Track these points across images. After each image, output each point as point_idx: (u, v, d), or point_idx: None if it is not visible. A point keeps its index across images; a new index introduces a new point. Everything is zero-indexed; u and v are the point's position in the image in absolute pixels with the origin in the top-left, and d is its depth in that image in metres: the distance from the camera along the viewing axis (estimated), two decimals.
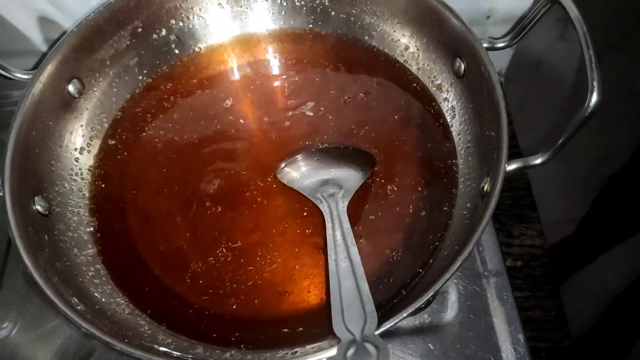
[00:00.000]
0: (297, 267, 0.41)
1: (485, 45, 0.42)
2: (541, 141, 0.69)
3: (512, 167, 0.37)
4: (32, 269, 0.35)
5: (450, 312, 0.46)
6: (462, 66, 0.45)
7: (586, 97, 0.33)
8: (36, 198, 0.41)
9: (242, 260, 0.42)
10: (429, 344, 0.45)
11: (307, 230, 0.42)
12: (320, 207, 0.41)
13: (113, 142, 0.49)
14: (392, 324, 0.31)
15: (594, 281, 0.63)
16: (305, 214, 0.43)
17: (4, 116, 0.57)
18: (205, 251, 0.42)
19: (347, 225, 0.38)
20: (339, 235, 0.38)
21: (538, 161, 0.37)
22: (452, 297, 0.47)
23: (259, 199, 0.44)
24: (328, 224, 0.39)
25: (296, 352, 0.36)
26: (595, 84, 0.33)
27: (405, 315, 0.31)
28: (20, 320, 0.48)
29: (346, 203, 0.40)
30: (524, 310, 0.51)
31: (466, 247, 0.33)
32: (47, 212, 0.41)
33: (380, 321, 0.32)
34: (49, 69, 0.44)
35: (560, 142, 0.35)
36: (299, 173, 0.44)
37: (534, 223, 0.70)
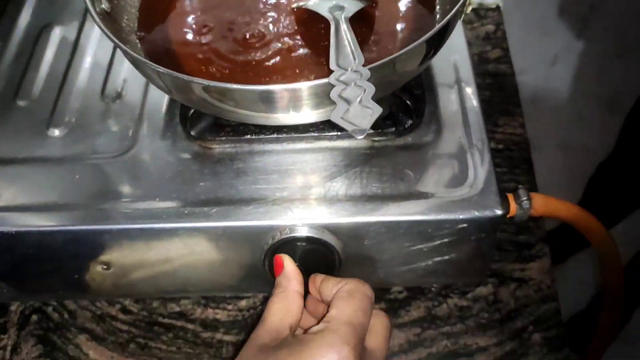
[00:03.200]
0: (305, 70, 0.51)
1: None
2: None
3: None
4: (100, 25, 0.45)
5: (431, 136, 0.55)
6: None
7: None
8: None
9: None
10: (410, 157, 0.54)
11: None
12: (326, 16, 0.50)
13: None
14: (379, 63, 0.40)
15: None
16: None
17: None
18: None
19: (346, 26, 0.48)
20: (342, 33, 0.47)
21: None
22: (433, 127, 0.56)
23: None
24: (332, 29, 0.48)
25: None
26: None
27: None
28: (72, 124, 0.58)
29: (349, 15, 0.50)
30: (501, 182, 0.59)
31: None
32: (109, 11, 0.52)
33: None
34: None
35: None
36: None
37: (517, 116, 0.78)
